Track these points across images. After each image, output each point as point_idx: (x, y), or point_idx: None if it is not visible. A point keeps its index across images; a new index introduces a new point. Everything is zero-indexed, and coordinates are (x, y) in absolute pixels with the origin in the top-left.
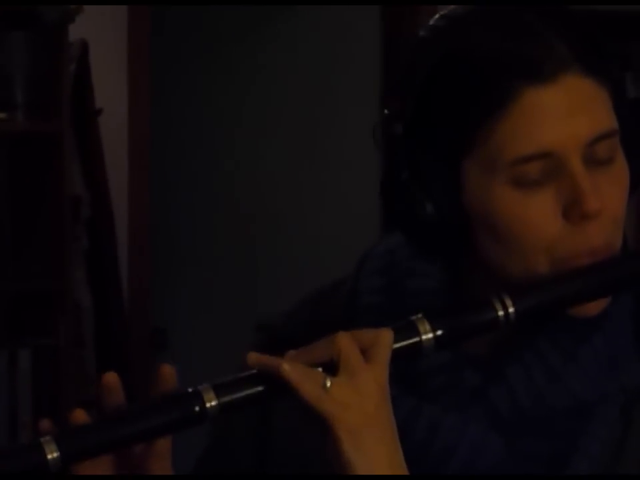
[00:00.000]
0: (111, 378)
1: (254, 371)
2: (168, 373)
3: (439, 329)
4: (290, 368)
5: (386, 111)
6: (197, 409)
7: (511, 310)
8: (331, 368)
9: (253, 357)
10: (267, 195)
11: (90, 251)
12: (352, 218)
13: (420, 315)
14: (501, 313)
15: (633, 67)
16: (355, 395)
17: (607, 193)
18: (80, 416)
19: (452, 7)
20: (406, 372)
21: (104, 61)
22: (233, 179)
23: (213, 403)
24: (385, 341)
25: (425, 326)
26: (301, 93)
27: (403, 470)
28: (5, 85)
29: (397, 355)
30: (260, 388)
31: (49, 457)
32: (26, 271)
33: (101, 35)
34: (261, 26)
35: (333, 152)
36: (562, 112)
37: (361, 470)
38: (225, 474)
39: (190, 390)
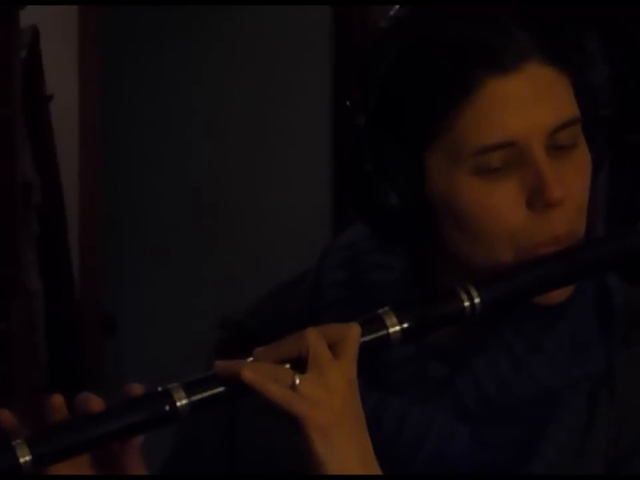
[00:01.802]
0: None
1: None
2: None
3: (406, 321)
4: (252, 373)
5: (348, 102)
6: (167, 407)
7: (476, 300)
8: (300, 364)
9: (219, 366)
10: (220, 183)
11: (41, 236)
12: (306, 209)
13: (386, 308)
14: (466, 303)
15: (587, 54)
16: (323, 391)
17: (569, 180)
18: (58, 401)
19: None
20: (371, 365)
21: (54, 47)
22: (184, 165)
23: (184, 402)
24: (353, 335)
25: (391, 319)
26: (254, 81)
27: (373, 464)
28: None
29: (364, 348)
30: (231, 387)
31: (21, 460)
32: None
33: (51, 21)
34: (214, 13)
35: (287, 143)
36: (524, 101)
37: (332, 466)
38: (210, 473)
39: (160, 389)
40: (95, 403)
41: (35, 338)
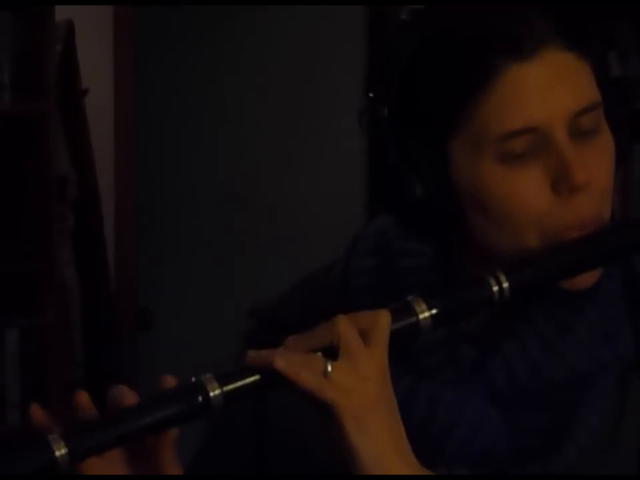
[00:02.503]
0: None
1: None
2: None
3: (435, 307)
4: (284, 361)
5: (371, 95)
6: (200, 399)
7: (505, 285)
8: (331, 352)
9: (251, 355)
10: (252, 177)
11: (76, 231)
12: (337, 202)
13: (415, 295)
14: (495, 288)
15: (617, 46)
16: (356, 379)
17: (593, 165)
18: (83, 399)
19: None
20: (402, 351)
21: (89, 42)
22: (218, 159)
23: (217, 393)
24: (383, 322)
25: (421, 305)
26: (287, 75)
27: (407, 451)
28: None
29: (395, 335)
30: (262, 376)
31: (57, 454)
32: (13, 252)
33: (86, 16)
34: (248, 7)
35: (319, 136)
36: (545, 86)
37: (366, 454)
38: (225, 474)
39: (193, 381)
40: (129, 397)
41: (71, 332)
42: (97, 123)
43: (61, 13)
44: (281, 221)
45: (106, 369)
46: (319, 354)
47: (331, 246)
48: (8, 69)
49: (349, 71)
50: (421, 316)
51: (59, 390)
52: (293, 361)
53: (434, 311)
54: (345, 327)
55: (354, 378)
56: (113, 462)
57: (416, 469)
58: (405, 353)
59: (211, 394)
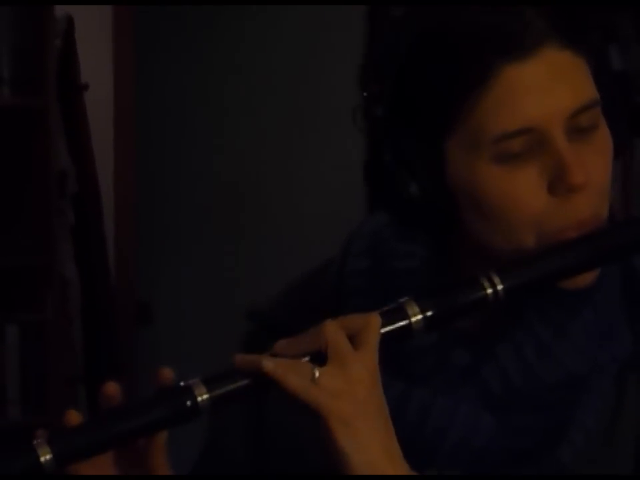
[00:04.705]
0: (112, 388)
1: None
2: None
3: (428, 310)
4: (272, 364)
5: (365, 94)
6: (188, 403)
7: (499, 287)
8: (320, 358)
9: (239, 359)
10: (252, 171)
11: (76, 226)
12: (336, 197)
13: (408, 297)
14: (489, 291)
15: (618, 39)
16: (345, 383)
17: (591, 163)
18: (74, 417)
19: None
20: (394, 355)
21: (89, 36)
22: (218, 154)
23: (205, 397)
24: (373, 325)
25: (413, 308)
26: (286, 70)
27: (397, 455)
28: None
29: (387, 338)
30: (251, 381)
31: (42, 459)
32: (12, 246)
33: (86, 10)
34: (247, 1)
35: (318, 132)
36: (543, 86)
37: (356, 458)
38: (225, 474)
39: (181, 384)
40: (111, 387)
41: (70, 327)
42: (97, 117)
43: (61, 7)
44: (280, 215)
45: (106, 363)
46: (307, 359)
47: (330, 241)
48: (7, 63)
49: (349, 65)
50: (413, 319)
51: (58, 385)
52: (281, 365)
53: (427, 313)
54: (332, 331)
55: (342, 381)
56: (102, 465)
57: (406, 472)
58: (397, 357)
59: (199, 398)
